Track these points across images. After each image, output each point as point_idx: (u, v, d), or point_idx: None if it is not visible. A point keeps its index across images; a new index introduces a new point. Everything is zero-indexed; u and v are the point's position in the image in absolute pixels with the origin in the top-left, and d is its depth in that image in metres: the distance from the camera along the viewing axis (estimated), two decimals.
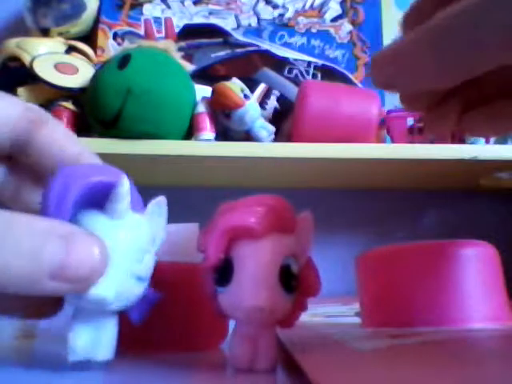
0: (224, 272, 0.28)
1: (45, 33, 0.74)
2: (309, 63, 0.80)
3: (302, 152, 0.64)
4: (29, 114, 0.25)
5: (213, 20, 0.82)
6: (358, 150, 0.64)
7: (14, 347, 0.36)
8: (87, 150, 0.28)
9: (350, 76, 0.80)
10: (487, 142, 0.70)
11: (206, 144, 0.64)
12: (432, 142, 0.71)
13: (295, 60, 0.80)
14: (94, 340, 0.24)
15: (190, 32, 0.81)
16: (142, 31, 0.80)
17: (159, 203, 0.28)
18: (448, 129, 0.24)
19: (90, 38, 0.78)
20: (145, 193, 0.29)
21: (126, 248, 0.24)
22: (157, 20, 0.81)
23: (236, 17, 0.82)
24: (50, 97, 0.65)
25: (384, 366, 0.22)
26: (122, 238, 0.24)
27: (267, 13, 0.83)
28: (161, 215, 0.28)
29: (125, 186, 0.24)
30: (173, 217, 0.34)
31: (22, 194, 0.27)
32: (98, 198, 0.24)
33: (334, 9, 0.84)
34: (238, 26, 0.82)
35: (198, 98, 0.68)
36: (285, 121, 0.75)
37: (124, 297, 0.24)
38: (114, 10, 0.80)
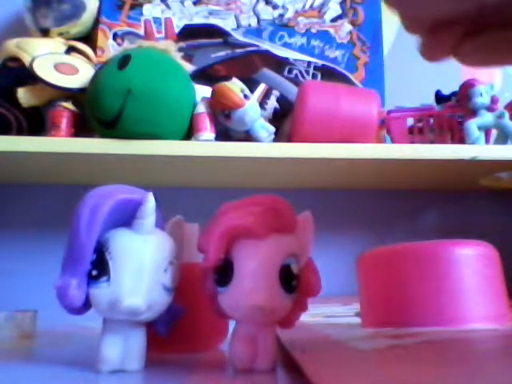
0: (224, 272, 0.28)
1: (45, 33, 0.74)
2: (309, 63, 0.80)
3: (302, 152, 0.64)
4: None
5: (213, 20, 0.82)
6: (357, 150, 0.64)
7: (13, 347, 0.36)
8: None
9: (350, 76, 0.80)
10: (487, 142, 0.71)
11: (206, 144, 0.64)
12: (432, 142, 0.71)
13: (295, 60, 0.80)
14: (125, 351, 0.26)
15: (189, 32, 0.81)
16: (141, 31, 0.80)
17: (178, 222, 0.30)
18: (443, 55, 0.24)
19: (89, 38, 0.78)
20: None
21: (153, 260, 0.26)
22: (157, 20, 0.81)
23: (236, 17, 0.82)
24: (50, 97, 0.65)
25: (384, 366, 0.22)
26: (149, 251, 0.26)
27: (267, 13, 0.83)
28: (181, 232, 0.30)
29: (151, 202, 0.27)
30: (173, 217, 0.34)
31: None
32: (127, 217, 0.27)
33: (333, 9, 0.84)
34: (238, 26, 0.82)
35: (198, 98, 0.68)
36: (285, 121, 0.75)
37: (153, 306, 0.26)
38: (114, 10, 0.80)
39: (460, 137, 0.70)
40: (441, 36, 0.23)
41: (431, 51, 0.24)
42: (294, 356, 0.26)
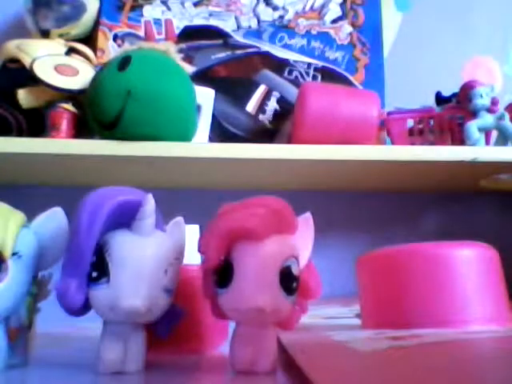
0: (224, 273, 0.28)
1: (45, 34, 0.74)
2: (309, 65, 0.80)
3: (302, 154, 0.64)
4: None
5: (213, 22, 0.82)
6: (358, 151, 0.64)
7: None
8: None
9: (350, 77, 0.80)
10: (487, 143, 0.70)
11: (206, 146, 0.64)
12: (432, 143, 0.71)
13: (295, 61, 0.80)
14: (125, 353, 0.26)
15: (190, 33, 0.81)
16: (142, 33, 0.80)
17: (178, 223, 0.31)
18: None
19: (90, 39, 0.78)
20: None
21: (153, 262, 0.26)
22: (157, 21, 0.81)
23: (236, 18, 0.82)
24: (50, 98, 0.65)
25: (384, 367, 0.22)
26: (149, 253, 0.26)
27: (267, 14, 0.83)
28: (181, 234, 0.30)
29: (150, 203, 0.27)
30: (173, 219, 0.34)
31: None
32: (126, 218, 0.27)
33: (334, 10, 0.84)
34: (238, 27, 0.82)
35: (198, 99, 0.68)
36: (285, 122, 0.75)
37: (153, 308, 0.26)
38: (114, 11, 0.80)
39: (460, 138, 0.70)
40: None
41: None
42: (294, 358, 0.26)
